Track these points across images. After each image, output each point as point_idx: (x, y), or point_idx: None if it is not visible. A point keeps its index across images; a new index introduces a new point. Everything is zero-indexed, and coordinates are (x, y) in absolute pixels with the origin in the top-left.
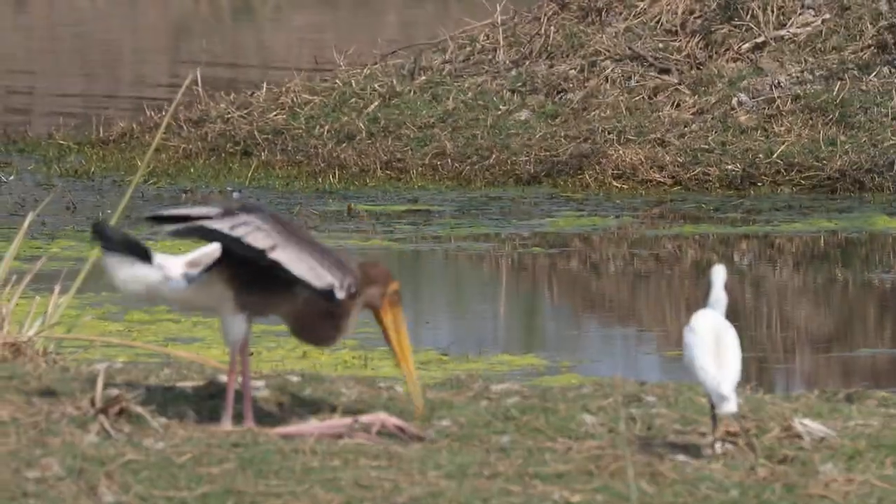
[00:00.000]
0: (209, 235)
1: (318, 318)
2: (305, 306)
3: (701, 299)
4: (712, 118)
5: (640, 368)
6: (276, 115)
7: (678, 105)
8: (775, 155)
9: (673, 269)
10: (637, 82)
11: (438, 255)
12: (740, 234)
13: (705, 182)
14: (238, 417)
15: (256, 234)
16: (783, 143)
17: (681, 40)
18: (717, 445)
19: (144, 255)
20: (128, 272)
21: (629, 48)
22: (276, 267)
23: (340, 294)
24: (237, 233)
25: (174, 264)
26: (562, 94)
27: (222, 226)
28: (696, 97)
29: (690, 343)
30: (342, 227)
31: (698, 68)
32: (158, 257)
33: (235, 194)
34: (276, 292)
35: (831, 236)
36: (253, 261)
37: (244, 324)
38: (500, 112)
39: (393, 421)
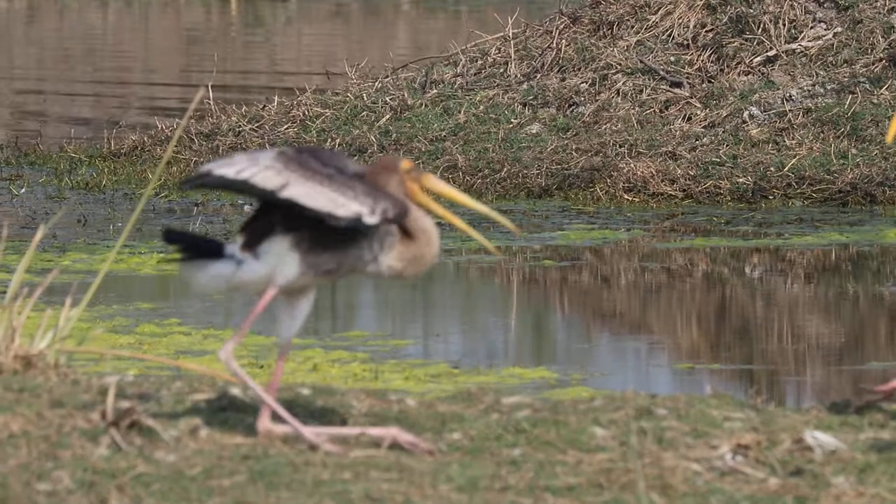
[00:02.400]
0: (218, 183)
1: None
2: (359, 255)
3: None
4: (723, 131)
5: (651, 381)
6: (287, 129)
7: (689, 118)
8: (786, 168)
9: (684, 282)
10: (648, 96)
11: (449, 267)
12: (751, 248)
13: (716, 195)
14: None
15: (265, 174)
16: (794, 157)
17: (692, 54)
18: (729, 458)
19: (216, 251)
20: (204, 275)
21: (640, 61)
22: (294, 205)
23: (371, 219)
24: (243, 175)
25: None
26: (573, 107)
27: (228, 171)
28: (707, 110)
29: None
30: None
31: (710, 82)
32: (229, 247)
33: (247, 207)
34: (339, 244)
35: (842, 249)
36: (271, 202)
37: (314, 280)
38: (511, 125)
39: (405, 437)
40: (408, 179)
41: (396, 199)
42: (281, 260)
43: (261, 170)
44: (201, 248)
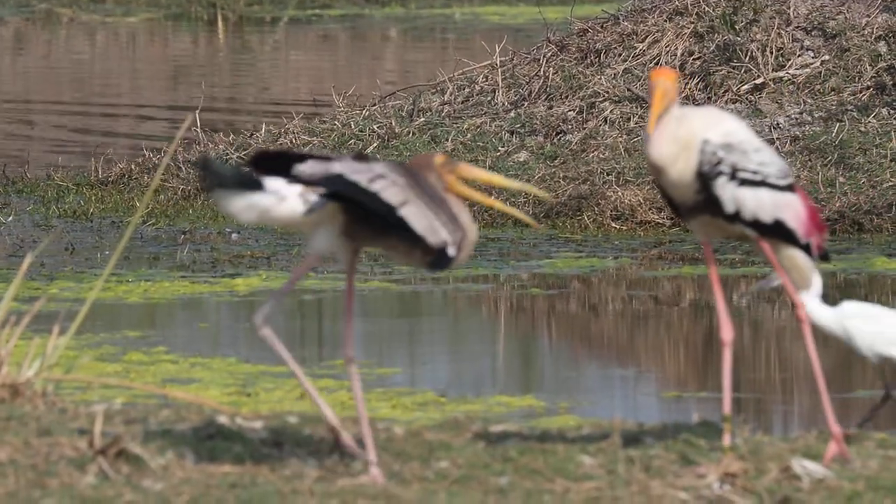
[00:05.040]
0: (345, 188)
1: (413, 257)
2: (405, 247)
3: None
4: None
5: (638, 410)
6: None
7: None
8: None
9: (671, 310)
10: (636, 123)
11: (437, 296)
12: (739, 275)
13: None
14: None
15: (392, 189)
16: None
17: (680, 81)
18: (716, 486)
19: (254, 183)
20: (240, 203)
21: (628, 89)
22: (397, 223)
23: (452, 251)
24: (375, 187)
25: (286, 187)
26: (560, 135)
27: (360, 178)
28: None
29: None
30: (341, 266)
31: None
32: (269, 182)
33: (234, 236)
34: (384, 234)
35: (830, 277)
36: (375, 214)
37: (348, 246)
38: (498, 153)
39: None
40: (444, 173)
41: (463, 227)
42: (326, 233)
43: (388, 184)
44: (241, 180)
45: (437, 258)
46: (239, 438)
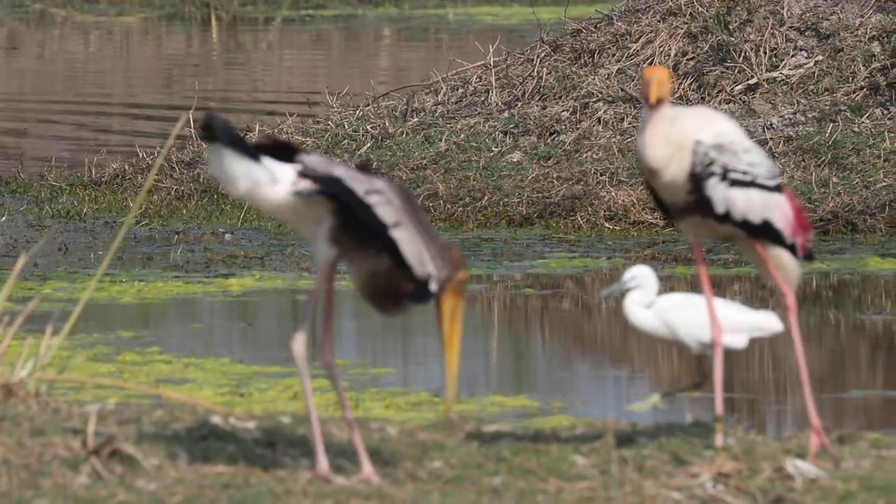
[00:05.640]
0: (341, 193)
1: (391, 289)
2: (386, 274)
3: None
4: None
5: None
6: None
7: None
8: None
9: None
10: (630, 124)
11: None
12: (732, 276)
13: None
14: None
15: (387, 208)
16: None
17: (673, 82)
18: (709, 486)
19: (254, 155)
20: (237, 168)
21: (622, 90)
22: (387, 243)
23: (434, 287)
24: (371, 200)
25: (283, 169)
26: (554, 135)
27: (359, 187)
28: None
29: None
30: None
31: None
32: (266, 160)
33: (227, 236)
34: (368, 247)
35: (823, 278)
36: (367, 228)
37: (330, 253)
38: (492, 153)
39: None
40: (454, 286)
41: (448, 273)
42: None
43: (384, 202)
44: (244, 146)
45: (419, 291)
46: (232, 439)
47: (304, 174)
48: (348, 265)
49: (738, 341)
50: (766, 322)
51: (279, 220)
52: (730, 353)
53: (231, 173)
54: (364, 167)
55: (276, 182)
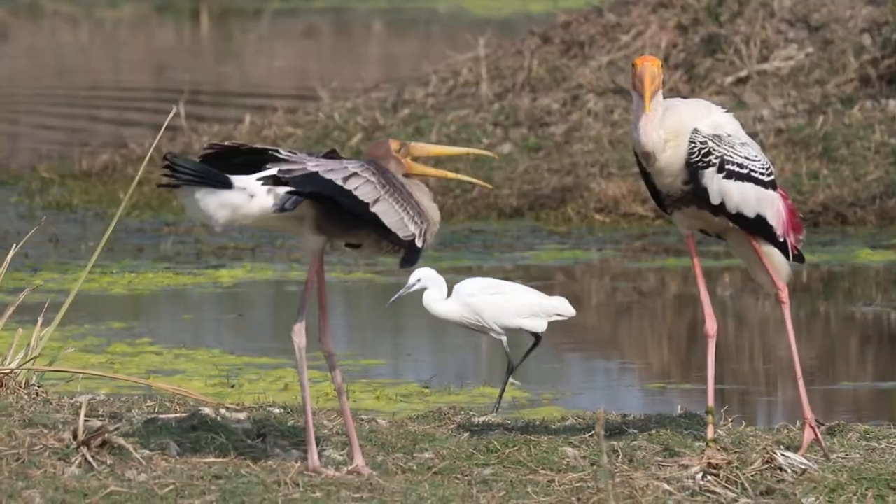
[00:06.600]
0: (320, 185)
1: (386, 246)
2: (375, 245)
3: None
4: None
5: (622, 401)
6: None
7: None
8: None
9: (655, 302)
10: (620, 116)
11: None
12: (723, 267)
13: None
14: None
15: (366, 188)
16: None
17: (664, 74)
18: (699, 477)
19: (224, 182)
20: (212, 201)
21: (612, 81)
22: (370, 219)
23: (419, 242)
24: (350, 185)
25: (252, 181)
26: (544, 127)
27: (336, 176)
28: None
29: None
30: (325, 258)
31: None
32: (237, 179)
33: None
34: (355, 227)
35: (814, 269)
36: (348, 210)
37: (319, 240)
38: (482, 145)
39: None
40: (401, 157)
41: (427, 216)
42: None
43: (362, 182)
44: (210, 178)
45: (408, 253)
46: (223, 429)
47: (278, 179)
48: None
49: (539, 325)
50: (562, 307)
51: (264, 229)
52: (719, 344)
53: (209, 211)
54: (332, 153)
55: (253, 196)
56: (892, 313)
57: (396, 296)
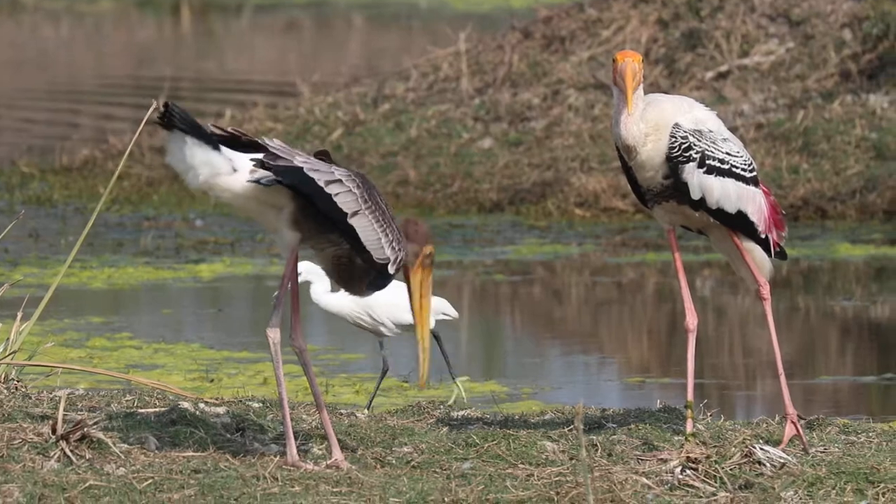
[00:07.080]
0: (302, 181)
1: (356, 270)
2: (349, 255)
3: None
4: None
5: (601, 395)
6: None
7: None
8: None
9: (635, 296)
10: (600, 111)
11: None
12: (702, 262)
13: None
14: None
15: (347, 197)
16: None
17: (644, 69)
18: (678, 471)
19: (214, 143)
20: (197, 155)
21: (593, 77)
22: (346, 229)
23: (392, 269)
24: (331, 189)
25: (242, 159)
26: (525, 122)
27: (319, 177)
28: None
29: None
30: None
31: None
32: (225, 150)
33: (198, 222)
34: (329, 231)
35: (794, 264)
36: (326, 213)
37: (294, 237)
38: (463, 140)
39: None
40: (421, 259)
41: (407, 256)
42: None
43: (344, 191)
44: (204, 134)
45: (378, 277)
46: (202, 424)
47: (264, 164)
48: (313, 248)
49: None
50: (445, 307)
51: (239, 211)
52: (699, 339)
53: (190, 161)
54: (323, 155)
55: (235, 171)
56: (872, 308)
57: (274, 297)
